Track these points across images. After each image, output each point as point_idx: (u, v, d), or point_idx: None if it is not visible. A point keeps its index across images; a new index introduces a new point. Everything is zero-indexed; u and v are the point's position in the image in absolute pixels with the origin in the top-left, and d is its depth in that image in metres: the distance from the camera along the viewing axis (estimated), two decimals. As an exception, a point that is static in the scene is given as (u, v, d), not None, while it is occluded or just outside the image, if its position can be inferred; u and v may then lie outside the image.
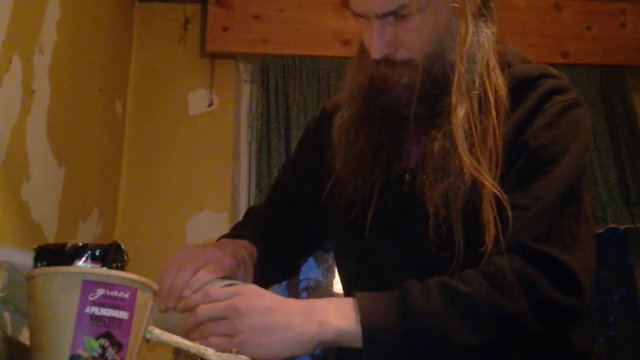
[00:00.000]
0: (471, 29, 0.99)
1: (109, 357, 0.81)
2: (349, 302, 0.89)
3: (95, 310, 0.81)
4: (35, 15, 1.71)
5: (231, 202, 2.51)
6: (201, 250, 1.03)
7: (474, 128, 0.96)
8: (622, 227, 2.56)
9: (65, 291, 0.82)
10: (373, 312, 0.86)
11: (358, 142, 1.05)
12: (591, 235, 0.95)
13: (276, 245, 1.16)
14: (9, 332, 1.05)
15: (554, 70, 1.04)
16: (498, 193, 0.91)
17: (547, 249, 0.88)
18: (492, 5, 1.03)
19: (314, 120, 1.25)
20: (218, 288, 0.94)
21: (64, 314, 0.81)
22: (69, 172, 1.92)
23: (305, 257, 1.33)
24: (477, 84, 0.98)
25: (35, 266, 0.92)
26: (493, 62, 1.01)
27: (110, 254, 0.93)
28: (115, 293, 0.83)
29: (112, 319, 0.82)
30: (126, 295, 0.84)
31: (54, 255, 0.92)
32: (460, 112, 0.96)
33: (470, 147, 0.95)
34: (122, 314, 0.83)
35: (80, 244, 0.93)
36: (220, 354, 0.78)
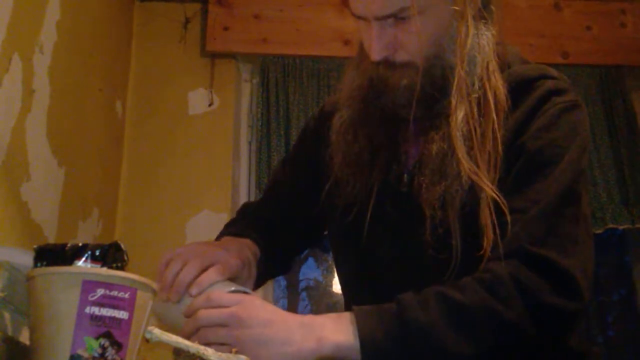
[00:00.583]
0: (471, 31, 0.99)
1: (109, 357, 0.81)
2: (347, 316, 0.89)
3: (95, 310, 0.81)
4: (36, 15, 1.71)
5: (231, 202, 2.51)
6: (207, 248, 1.03)
7: (472, 131, 0.96)
8: (621, 227, 2.56)
9: (65, 291, 0.82)
10: (371, 326, 0.86)
11: (357, 143, 1.05)
12: (590, 237, 0.95)
13: (275, 243, 1.16)
14: (9, 332, 1.05)
15: (553, 71, 1.04)
16: (497, 198, 0.91)
17: (545, 252, 0.88)
18: (492, 7, 1.03)
19: (313, 119, 1.25)
20: (221, 293, 0.93)
21: (64, 314, 0.81)
22: (69, 172, 1.92)
23: (301, 253, 1.34)
24: (476, 86, 0.98)
25: (35, 266, 0.92)
26: (493, 64, 1.00)
27: (110, 254, 0.93)
28: (115, 293, 0.83)
29: (112, 319, 0.82)
30: (126, 295, 0.84)
31: (54, 255, 0.92)
32: (459, 115, 0.96)
33: (468, 150, 0.95)
34: (122, 314, 0.83)
35: (80, 244, 0.93)
36: (220, 354, 0.78)
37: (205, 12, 2.73)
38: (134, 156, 2.57)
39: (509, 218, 0.91)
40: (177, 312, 0.98)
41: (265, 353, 0.85)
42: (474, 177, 0.93)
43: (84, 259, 0.91)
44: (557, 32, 2.75)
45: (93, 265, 0.91)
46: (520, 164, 0.96)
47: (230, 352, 0.82)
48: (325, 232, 1.22)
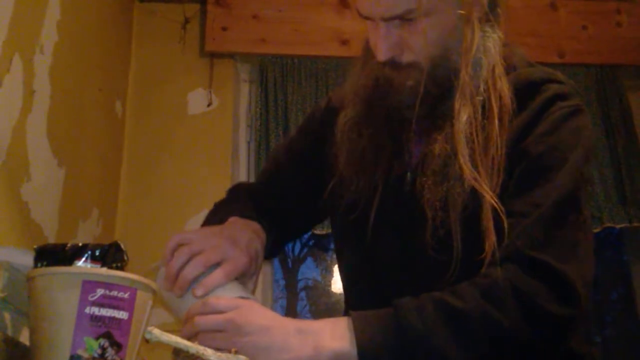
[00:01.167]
0: (477, 35, 0.98)
1: (109, 357, 0.81)
2: (345, 322, 0.89)
3: (95, 310, 0.82)
4: (36, 15, 1.71)
5: (230, 201, 2.51)
6: (217, 242, 1.00)
7: (475, 134, 0.95)
8: (618, 226, 2.56)
9: (65, 291, 0.82)
10: (368, 333, 0.86)
11: (361, 142, 1.05)
12: (590, 243, 0.94)
13: (276, 231, 1.15)
14: (9, 332, 1.05)
15: (559, 75, 1.03)
16: (496, 205, 0.91)
17: (544, 257, 0.88)
18: (499, 10, 1.03)
19: (319, 110, 1.23)
20: (218, 298, 0.93)
21: (64, 314, 0.81)
22: (69, 172, 1.92)
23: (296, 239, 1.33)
24: (481, 89, 0.98)
25: (36, 266, 0.92)
26: (499, 67, 1.00)
27: (110, 254, 0.93)
28: (115, 293, 0.83)
29: (112, 319, 0.82)
30: (126, 296, 0.84)
31: (54, 255, 0.92)
32: (462, 117, 0.96)
33: (471, 153, 0.95)
34: (122, 314, 0.83)
35: (80, 244, 0.93)
36: (219, 354, 0.79)
37: (204, 13, 2.73)
38: (134, 156, 2.58)
39: (508, 221, 0.90)
40: (180, 305, 0.98)
41: None
42: (474, 184, 0.93)
43: (84, 259, 0.91)
44: (553, 32, 2.75)
45: (93, 265, 0.91)
46: (521, 168, 0.95)
47: (230, 352, 0.82)
48: (319, 224, 1.22)
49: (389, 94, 1.01)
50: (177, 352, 0.83)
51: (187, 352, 0.77)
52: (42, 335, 0.84)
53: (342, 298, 1.21)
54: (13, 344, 0.98)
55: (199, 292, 0.95)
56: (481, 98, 0.97)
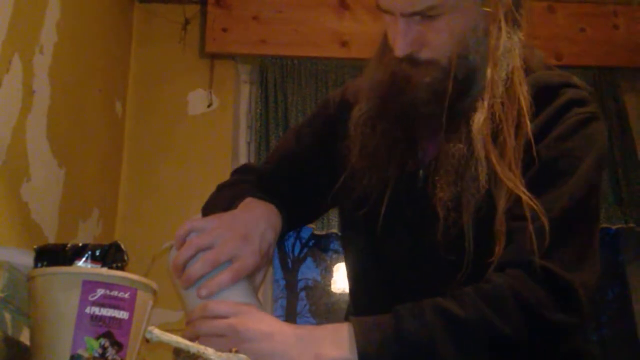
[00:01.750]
0: (504, 33, 0.97)
1: (109, 357, 0.81)
2: (345, 329, 0.88)
3: (96, 310, 0.82)
4: (36, 15, 1.71)
5: (230, 202, 2.51)
6: (229, 236, 0.97)
7: (492, 136, 0.94)
8: (614, 227, 2.56)
9: (66, 291, 0.82)
10: (369, 341, 0.86)
11: (374, 137, 1.04)
12: (596, 251, 0.93)
13: (287, 219, 1.11)
14: (9, 332, 1.05)
15: (576, 80, 1.01)
16: (534, 205, 0.89)
17: (550, 264, 0.86)
18: (522, 11, 1.01)
19: (333, 102, 1.20)
20: (219, 302, 0.92)
21: (64, 314, 0.82)
22: (69, 172, 1.93)
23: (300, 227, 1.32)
24: (501, 90, 0.96)
25: (36, 266, 0.92)
26: (519, 69, 0.98)
27: (110, 254, 0.93)
28: (115, 293, 0.84)
29: (112, 319, 0.82)
30: (126, 296, 0.84)
31: (54, 255, 0.92)
32: (480, 118, 0.94)
33: (487, 154, 0.93)
34: (122, 314, 0.83)
35: (80, 244, 0.93)
36: (220, 353, 0.79)
37: (204, 14, 2.73)
38: (134, 156, 2.58)
39: (514, 225, 0.89)
40: (185, 295, 0.97)
41: None
42: (509, 184, 0.91)
43: (84, 259, 0.92)
44: (550, 34, 2.76)
45: (93, 265, 0.91)
46: (532, 173, 0.93)
47: (230, 351, 0.82)
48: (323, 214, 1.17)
49: (405, 90, 0.99)
50: (177, 352, 0.83)
51: (188, 351, 0.77)
52: (42, 335, 0.84)
53: (342, 298, 1.21)
54: (13, 344, 0.98)
55: (203, 293, 0.94)
56: (499, 99, 0.96)
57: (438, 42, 0.96)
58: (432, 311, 0.86)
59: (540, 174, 0.93)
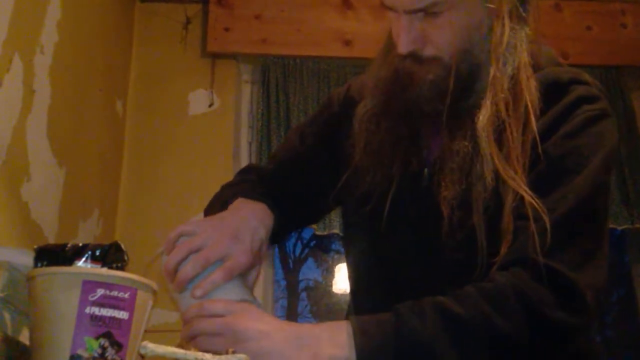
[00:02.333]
0: (508, 29, 0.96)
1: (109, 357, 0.81)
2: (344, 328, 0.87)
3: (95, 310, 0.82)
4: (36, 15, 1.71)
5: (231, 202, 2.51)
6: (219, 237, 0.97)
7: (498, 133, 0.93)
8: (620, 227, 2.55)
9: (66, 291, 0.82)
10: (367, 340, 0.85)
11: (378, 134, 1.03)
12: (604, 253, 0.91)
13: (286, 219, 1.12)
14: (9, 332, 1.05)
15: (586, 77, 1.00)
16: (536, 204, 0.87)
17: (555, 264, 0.85)
18: (528, 7, 1.00)
19: (338, 99, 1.20)
20: (215, 301, 0.92)
21: (64, 314, 0.81)
22: (69, 172, 1.92)
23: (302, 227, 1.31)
24: (506, 87, 0.95)
25: (36, 266, 0.92)
26: (526, 65, 0.97)
27: (110, 254, 0.93)
28: (115, 293, 0.83)
29: (112, 319, 0.82)
30: (126, 296, 0.84)
31: (54, 255, 0.92)
32: (485, 115, 0.93)
33: (492, 152, 0.92)
34: (122, 314, 0.83)
35: (80, 244, 0.93)
36: (218, 356, 0.78)
37: (206, 13, 2.73)
38: (134, 156, 2.57)
39: (519, 224, 0.88)
40: (180, 299, 0.96)
41: None
42: (511, 183, 0.90)
43: (84, 259, 0.91)
44: (557, 33, 2.75)
45: (93, 265, 0.91)
46: (539, 170, 0.92)
47: (227, 353, 0.81)
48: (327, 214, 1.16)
49: (409, 87, 0.98)
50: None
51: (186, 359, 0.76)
52: (42, 335, 0.83)
53: (344, 299, 1.20)
54: (13, 343, 0.98)
55: (198, 292, 0.93)
56: (505, 95, 0.95)
57: (441, 39, 0.95)
58: (432, 310, 0.85)
59: (547, 171, 0.92)
